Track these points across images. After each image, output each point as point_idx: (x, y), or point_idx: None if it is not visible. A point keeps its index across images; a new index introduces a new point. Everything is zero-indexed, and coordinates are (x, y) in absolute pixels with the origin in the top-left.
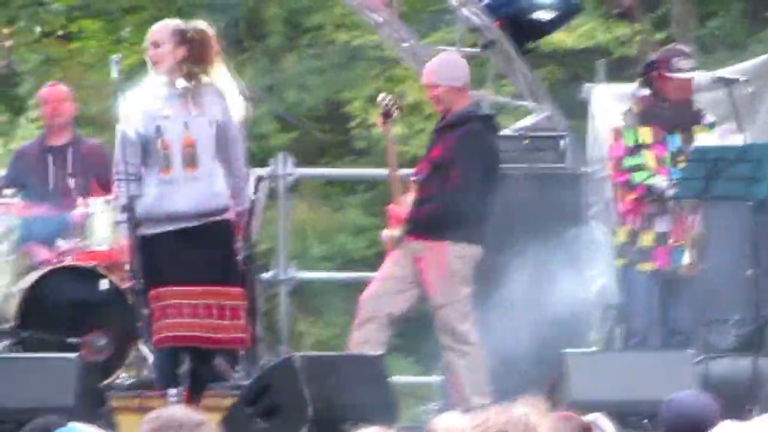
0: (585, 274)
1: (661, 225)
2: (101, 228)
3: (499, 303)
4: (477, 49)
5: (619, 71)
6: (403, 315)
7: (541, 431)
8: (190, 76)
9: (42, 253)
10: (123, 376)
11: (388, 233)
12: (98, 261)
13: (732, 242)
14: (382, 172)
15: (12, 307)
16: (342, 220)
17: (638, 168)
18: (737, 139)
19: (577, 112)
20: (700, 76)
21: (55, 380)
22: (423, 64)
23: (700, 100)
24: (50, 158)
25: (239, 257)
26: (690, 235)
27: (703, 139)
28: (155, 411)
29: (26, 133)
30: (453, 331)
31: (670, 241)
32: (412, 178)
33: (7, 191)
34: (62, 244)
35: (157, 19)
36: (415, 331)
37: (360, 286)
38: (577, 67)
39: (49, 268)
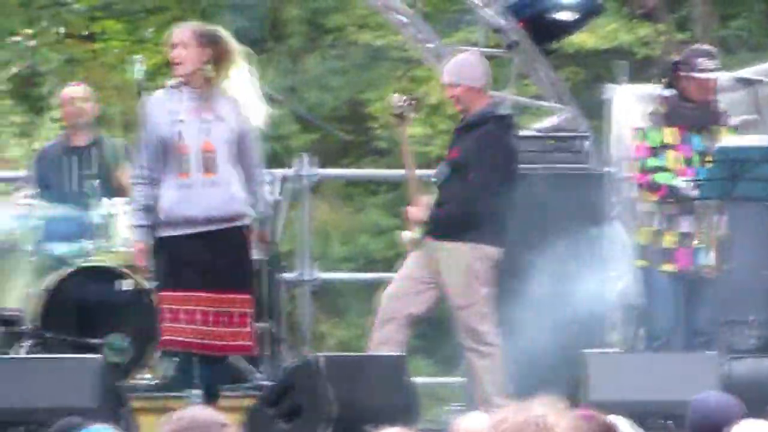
0: (607, 275)
1: (684, 225)
2: (123, 229)
3: (521, 302)
4: (499, 50)
5: (641, 72)
6: (422, 316)
7: (559, 431)
8: (210, 80)
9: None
10: (145, 378)
11: (407, 235)
12: (120, 261)
13: (755, 243)
14: (403, 172)
15: (34, 308)
16: (364, 220)
17: (661, 169)
18: (761, 140)
19: (598, 112)
20: (723, 77)
21: (77, 381)
22: None
23: (723, 100)
24: (73, 159)
25: (254, 262)
26: (715, 235)
27: (728, 140)
28: (177, 412)
29: (49, 134)
30: (473, 332)
31: (694, 242)
32: (432, 179)
33: (29, 191)
34: (85, 244)
35: (180, 19)
36: (436, 333)
37: (382, 286)
38: (600, 68)
39: (70, 270)
